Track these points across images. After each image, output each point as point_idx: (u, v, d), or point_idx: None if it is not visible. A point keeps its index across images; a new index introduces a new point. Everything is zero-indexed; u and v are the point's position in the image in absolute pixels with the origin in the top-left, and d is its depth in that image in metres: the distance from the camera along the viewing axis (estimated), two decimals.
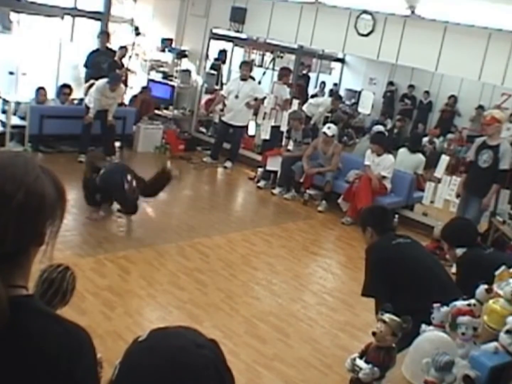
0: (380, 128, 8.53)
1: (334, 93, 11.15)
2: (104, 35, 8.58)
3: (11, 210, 1.00)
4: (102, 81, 7.42)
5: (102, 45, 8.45)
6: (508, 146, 5.82)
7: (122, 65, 8.73)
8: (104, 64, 8.14)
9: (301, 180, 7.52)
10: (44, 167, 1.09)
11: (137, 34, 9.38)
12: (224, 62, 10.07)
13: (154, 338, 0.98)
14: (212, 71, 9.81)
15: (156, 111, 9.16)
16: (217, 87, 9.81)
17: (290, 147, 7.82)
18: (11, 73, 8.31)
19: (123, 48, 8.79)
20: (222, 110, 8.72)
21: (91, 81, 7.87)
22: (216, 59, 10.09)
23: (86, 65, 8.51)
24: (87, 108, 7.48)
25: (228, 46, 10.26)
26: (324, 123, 8.58)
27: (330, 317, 4.51)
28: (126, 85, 8.76)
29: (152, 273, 4.71)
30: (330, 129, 7.38)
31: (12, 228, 1.00)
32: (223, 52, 9.92)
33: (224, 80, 10.29)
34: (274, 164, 7.84)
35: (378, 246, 3.44)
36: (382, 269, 3.34)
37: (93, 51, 8.46)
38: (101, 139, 7.80)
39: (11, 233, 1.00)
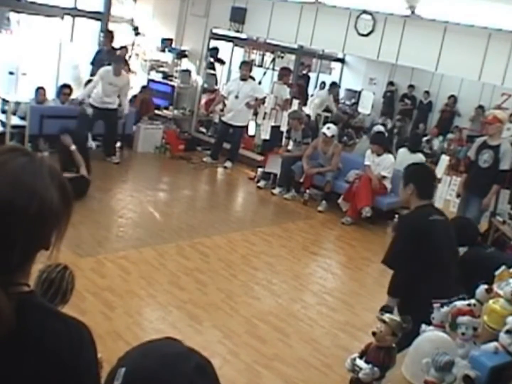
0: (380, 128, 8.53)
1: (331, 83, 11.09)
2: (108, 34, 8.60)
3: (21, 222, 0.99)
4: (105, 67, 7.48)
5: (107, 45, 8.47)
6: (509, 146, 5.80)
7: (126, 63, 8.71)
8: (106, 62, 8.17)
9: (301, 180, 7.51)
10: (54, 170, 1.07)
11: (137, 34, 9.38)
12: (217, 59, 10.04)
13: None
14: (212, 71, 9.80)
15: (156, 111, 9.16)
16: (215, 87, 9.81)
17: (290, 147, 7.82)
18: (11, 73, 8.30)
19: (123, 48, 8.80)
20: (222, 110, 8.72)
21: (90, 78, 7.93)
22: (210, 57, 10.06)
23: (92, 63, 8.54)
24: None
25: (224, 45, 10.21)
26: (324, 123, 8.57)
27: (330, 317, 4.50)
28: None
29: (152, 273, 4.71)
30: (329, 130, 7.38)
31: (21, 239, 1.00)
32: (214, 50, 9.89)
33: (220, 79, 10.26)
34: (273, 166, 7.84)
35: (414, 218, 3.35)
36: (411, 242, 3.27)
37: (99, 50, 8.51)
38: (103, 138, 7.80)
39: (21, 244, 1.00)
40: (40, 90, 7.57)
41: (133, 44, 9.35)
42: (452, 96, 11.37)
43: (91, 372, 1.09)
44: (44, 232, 1.04)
